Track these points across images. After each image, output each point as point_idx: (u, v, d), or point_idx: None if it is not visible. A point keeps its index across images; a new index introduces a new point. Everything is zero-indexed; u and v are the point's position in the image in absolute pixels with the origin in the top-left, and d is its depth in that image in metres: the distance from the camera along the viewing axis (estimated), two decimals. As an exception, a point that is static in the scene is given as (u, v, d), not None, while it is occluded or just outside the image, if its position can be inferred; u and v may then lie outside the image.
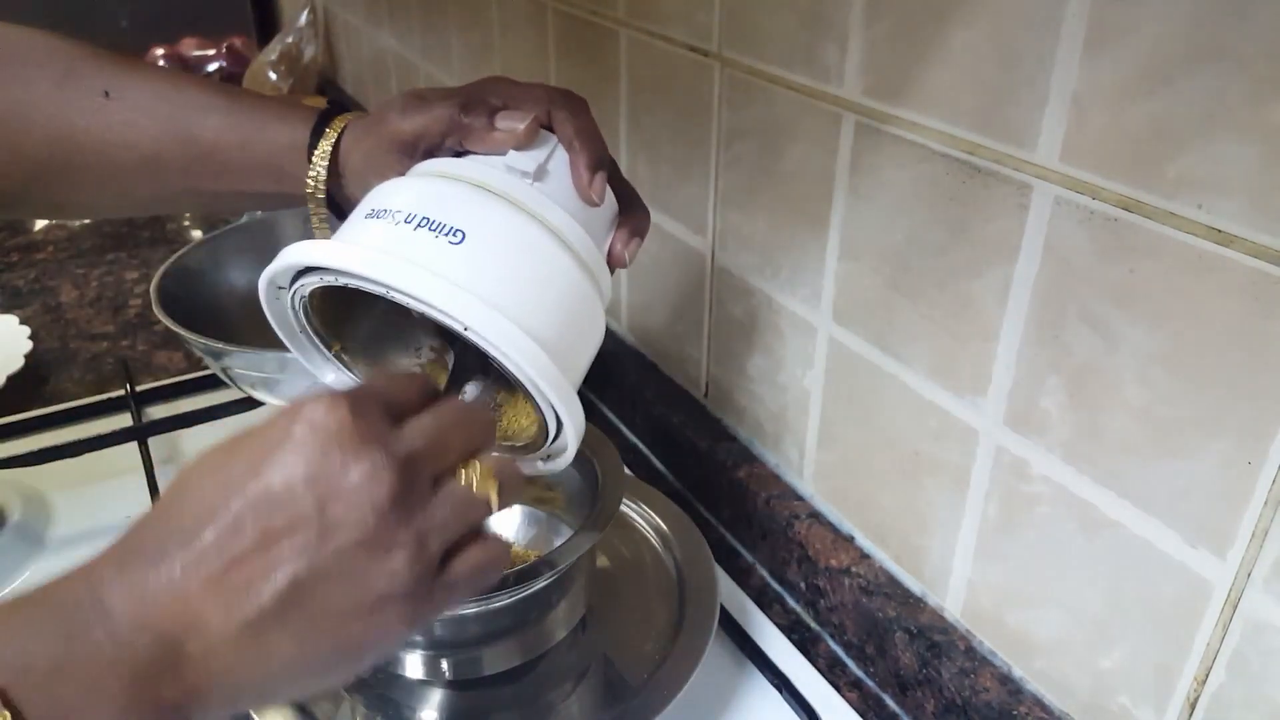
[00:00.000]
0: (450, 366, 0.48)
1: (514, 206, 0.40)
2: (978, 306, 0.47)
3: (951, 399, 0.50)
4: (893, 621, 0.54)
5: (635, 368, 0.79)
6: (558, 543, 0.53)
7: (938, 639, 0.53)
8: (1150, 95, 0.37)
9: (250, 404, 0.74)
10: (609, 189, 0.45)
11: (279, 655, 0.30)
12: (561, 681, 0.52)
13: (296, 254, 0.39)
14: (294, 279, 0.41)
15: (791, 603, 0.64)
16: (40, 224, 1.20)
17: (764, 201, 0.60)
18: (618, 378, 0.80)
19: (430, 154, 0.45)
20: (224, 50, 1.56)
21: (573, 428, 0.40)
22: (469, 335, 0.37)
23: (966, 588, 0.52)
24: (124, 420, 0.77)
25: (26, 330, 0.91)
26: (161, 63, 1.51)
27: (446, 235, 0.38)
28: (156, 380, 0.85)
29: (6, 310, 0.97)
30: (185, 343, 0.68)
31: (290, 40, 1.47)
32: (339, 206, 0.49)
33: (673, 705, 0.48)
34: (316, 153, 0.47)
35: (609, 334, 0.84)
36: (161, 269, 0.69)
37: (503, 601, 0.47)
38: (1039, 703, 0.49)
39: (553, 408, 0.40)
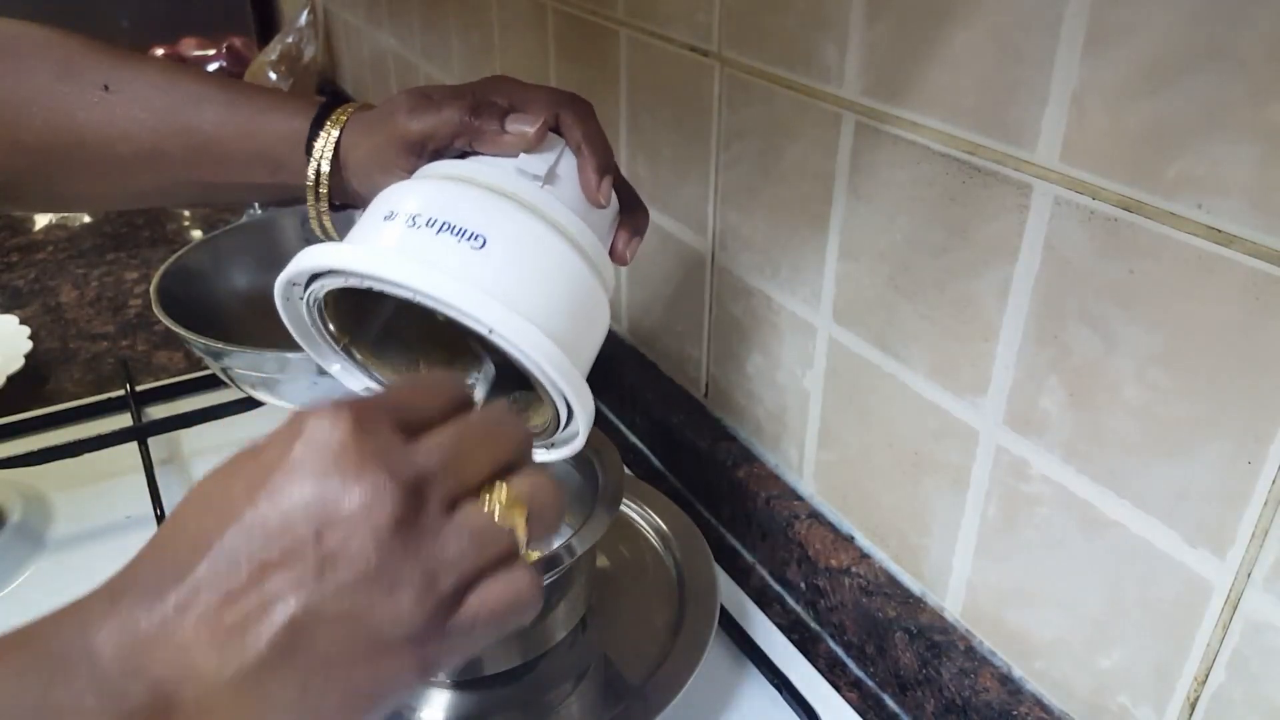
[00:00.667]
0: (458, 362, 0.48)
1: (529, 211, 0.41)
2: (978, 306, 0.47)
3: (951, 399, 0.50)
4: (893, 621, 0.54)
5: (635, 368, 0.79)
6: (558, 543, 0.54)
7: (938, 639, 0.53)
8: (1150, 95, 0.37)
9: (250, 404, 0.74)
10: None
11: (279, 704, 0.27)
12: (561, 681, 0.52)
13: (322, 257, 0.39)
14: (310, 280, 0.41)
15: (791, 603, 0.64)
16: (40, 224, 1.20)
17: (764, 201, 0.60)
18: (618, 378, 0.80)
19: (437, 154, 0.45)
20: (224, 50, 1.56)
21: (584, 418, 0.41)
22: (494, 338, 0.37)
23: (966, 588, 0.52)
24: (124, 420, 0.77)
25: (26, 330, 0.91)
26: (161, 62, 1.51)
27: (469, 240, 0.39)
28: (156, 380, 0.85)
29: (6, 310, 0.97)
30: (185, 343, 0.68)
31: (290, 40, 1.47)
32: (337, 201, 0.49)
33: (673, 705, 0.48)
34: (317, 145, 0.47)
35: (609, 334, 0.84)
36: (161, 269, 0.69)
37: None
38: (1039, 703, 0.49)
39: (567, 402, 0.40)
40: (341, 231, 0.46)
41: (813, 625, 0.62)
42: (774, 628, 0.59)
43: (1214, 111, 0.35)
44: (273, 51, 1.47)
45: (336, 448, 0.28)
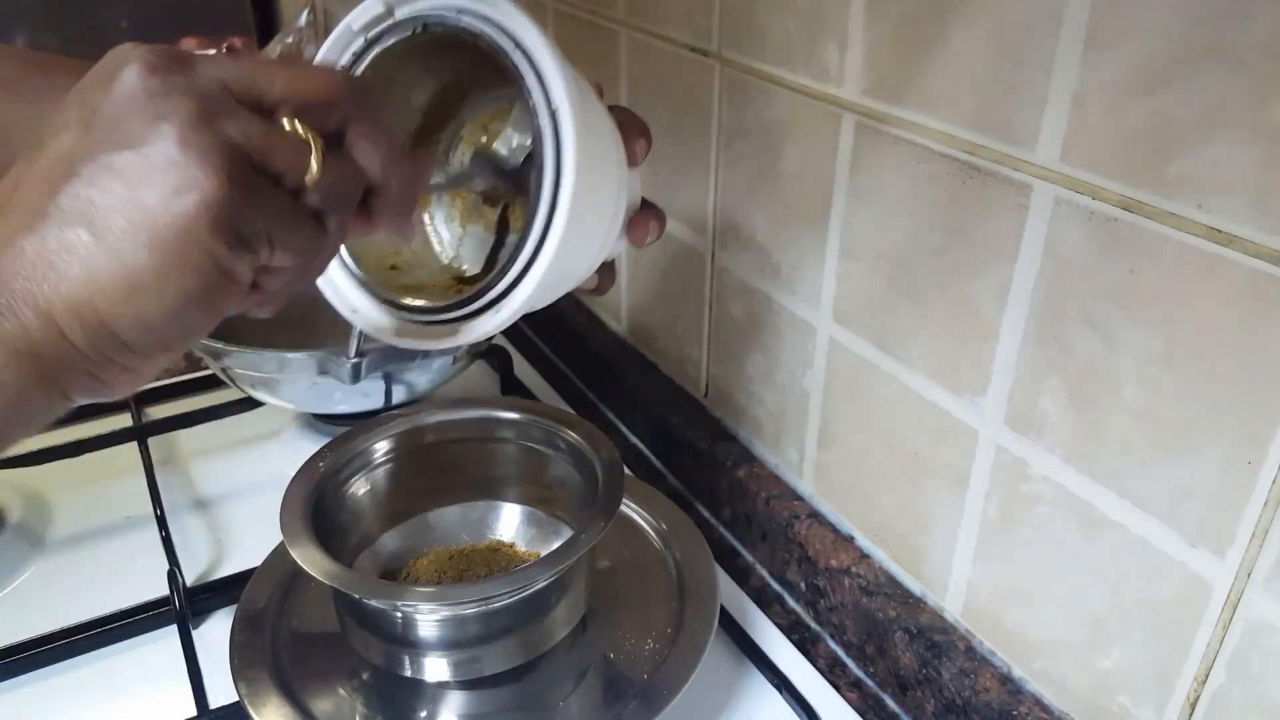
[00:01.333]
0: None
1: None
2: (978, 306, 0.47)
3: (951, 399, 0.50)
4: (893, 621, 0.54)
5: (635, 368, 0.79)
6: (558, 543, 0.53)
7: (938, 639, 0.53)
8: (1150, 95, 0.37)
9: (250, 404, 0.74)
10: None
11: (81, 253, 0.28)
12: (561, 681, 0.52)
13: None
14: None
15: (791, 603, 0.64)
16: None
17: (764, 201, 0.60)
18: (618, 378, 0.80)
19: None
20: (224, 50, 1.56)
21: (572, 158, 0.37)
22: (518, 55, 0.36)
23: (966, 588, 0.52)
24: (124, 420, 0.77)
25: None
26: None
27: None
28: (156, 380, 0.85)
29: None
30: (185, 343, 0.68)
31: (290, 40, 1.47)
32: None
33: (673, 705, 0.48)
34: None
35: (610, 334, 0.84)
36: (161, 269, 0.69)
37: (503, 602, 0.47)
38: (1039, 703, 0.49)
39: (557, 158, 0.37)
40: None
41: (813, 625, 0.62)
42: (774, 628, 0.59)
43: (1214, 111, 0.35)
44: (272, 51, 1.47)
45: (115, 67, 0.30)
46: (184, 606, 0.58)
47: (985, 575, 0.51)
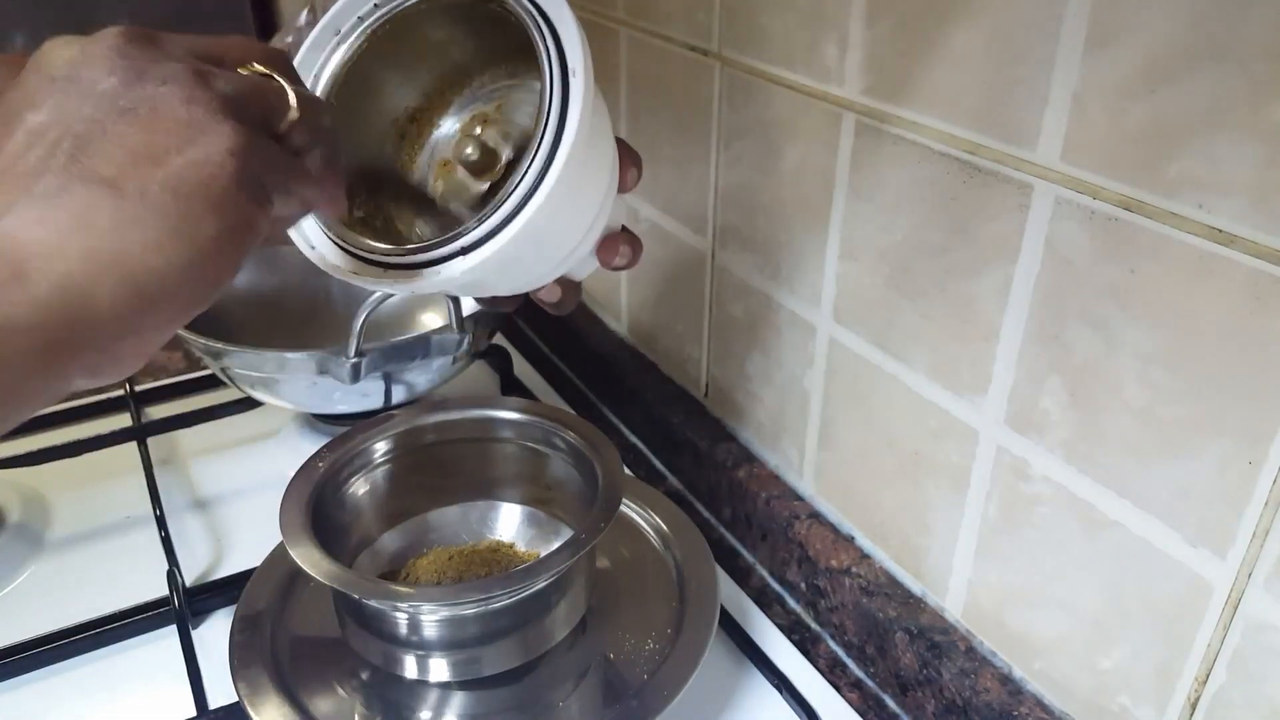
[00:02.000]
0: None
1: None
2: (978, 306, 0.47)
3: (952, 399, 0.50)
4: (893, 622, 0.54)
5: (635, 368, 0.79)
6: (558, 543, 0.53)
7: (938, 639, 0.53)
8: (1151, 95, 0.37)
9: (249, 404, 0.74)
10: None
11: (107, 211, 0.28)
12: (562, 681, 0.52)
13: None
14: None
15: (792, 603, 0.64)
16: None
17: (764, 201, 0.60)
18: (618, 378, 0.80)
19: None
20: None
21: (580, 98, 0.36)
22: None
23: (967, 588, 0.52)
24: (123, 420, 0.77)
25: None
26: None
27: None
28: (156, 380, 0.85)
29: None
30: (184, 342, 0.68)
31: (290, 40, 1.47)
32: None
33: (673, 705, 0.48)
34: None
35: (610, 334, 0.84)
36: (161, 269, 0.69)
37: (503, 602, 0.47)
38: (1039, 703, 0.49)
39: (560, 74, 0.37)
40: None
41: (813, 625, 0.62)
42: (774, 628, 0.59)
43: (1214, 111, 0.35)
44: (272, 51, 1.47)
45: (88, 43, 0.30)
46: (183, 607, 0.58)
47: (986, 575, 0.51)
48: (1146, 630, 0.43)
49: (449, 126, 0.46)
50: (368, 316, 0.64)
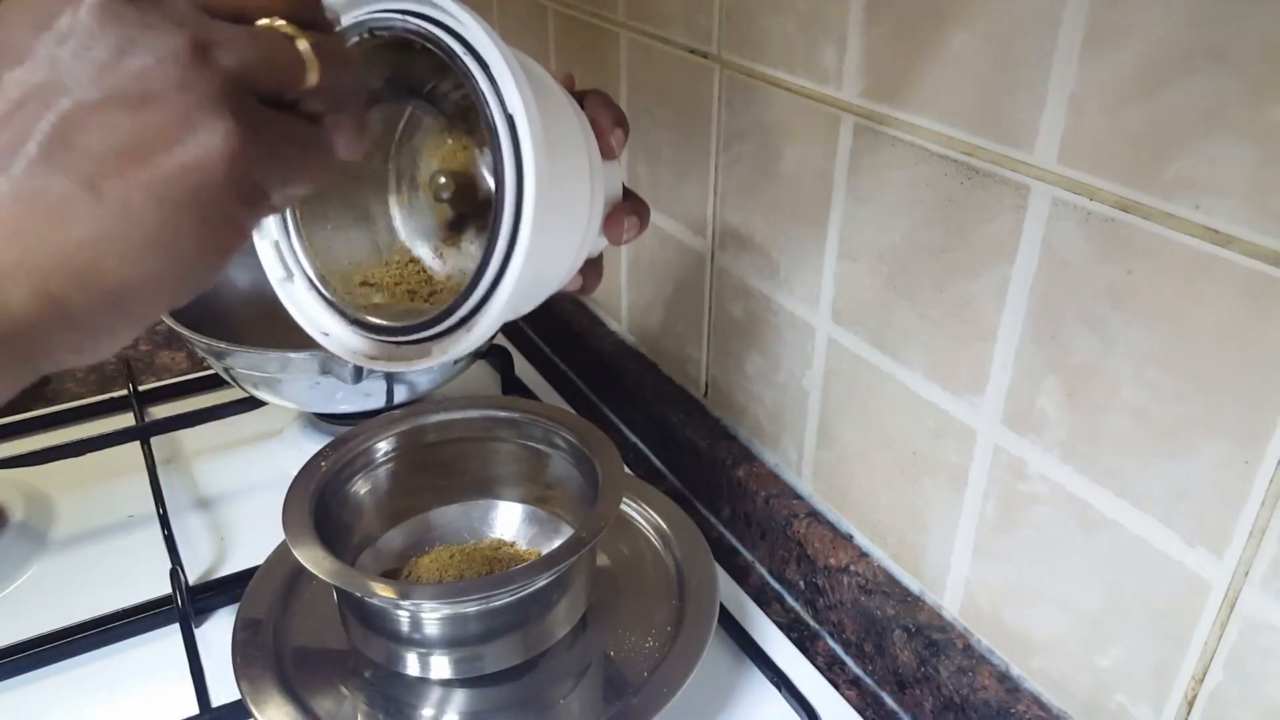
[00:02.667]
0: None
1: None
2: (976, 307, 0.47)
3: (950, 399, 0.50)
4: (891, 620, 0.55)
5: (635, 367, 0.79)
6: (558, 541, 0.54)
7: (936, 637, 0.53)
8: (1148, 96, 0.37)
9: (252, 403, 0.74)
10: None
11: (81, 213, 0.26)
12: (562, 680, 0.52)
13: None
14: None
15: (790, 601, 0.64)
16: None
17: (763, 202, 0.61)
18: (618, 378, 0.80)
19: None
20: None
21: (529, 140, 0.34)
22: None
23: (964, 586, 0.52)
24: (127, 420, 0.78)
25: (29, 330, 0.91)
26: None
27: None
28: (159, 380, 0.85)
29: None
30: (188, 342, 0.69)
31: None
32: None
33: (672, 703, 0.48)
34: None
35: (610, 334, 0.84)
36: (163, 269, 0.69)
37: (504, 600, 0.47)
38: (1037, 701, 0.49)
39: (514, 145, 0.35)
40: None
41: (812, 623, 0.62)
42: (773, 626, 0.60)
43: (1211, 112, 0.35)
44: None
45: None
46: (186, 605, 0.58)
47: (983, 574, 0.51)
48: (1144, 629, 0.43)
49: (418, 141, 0.45)
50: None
